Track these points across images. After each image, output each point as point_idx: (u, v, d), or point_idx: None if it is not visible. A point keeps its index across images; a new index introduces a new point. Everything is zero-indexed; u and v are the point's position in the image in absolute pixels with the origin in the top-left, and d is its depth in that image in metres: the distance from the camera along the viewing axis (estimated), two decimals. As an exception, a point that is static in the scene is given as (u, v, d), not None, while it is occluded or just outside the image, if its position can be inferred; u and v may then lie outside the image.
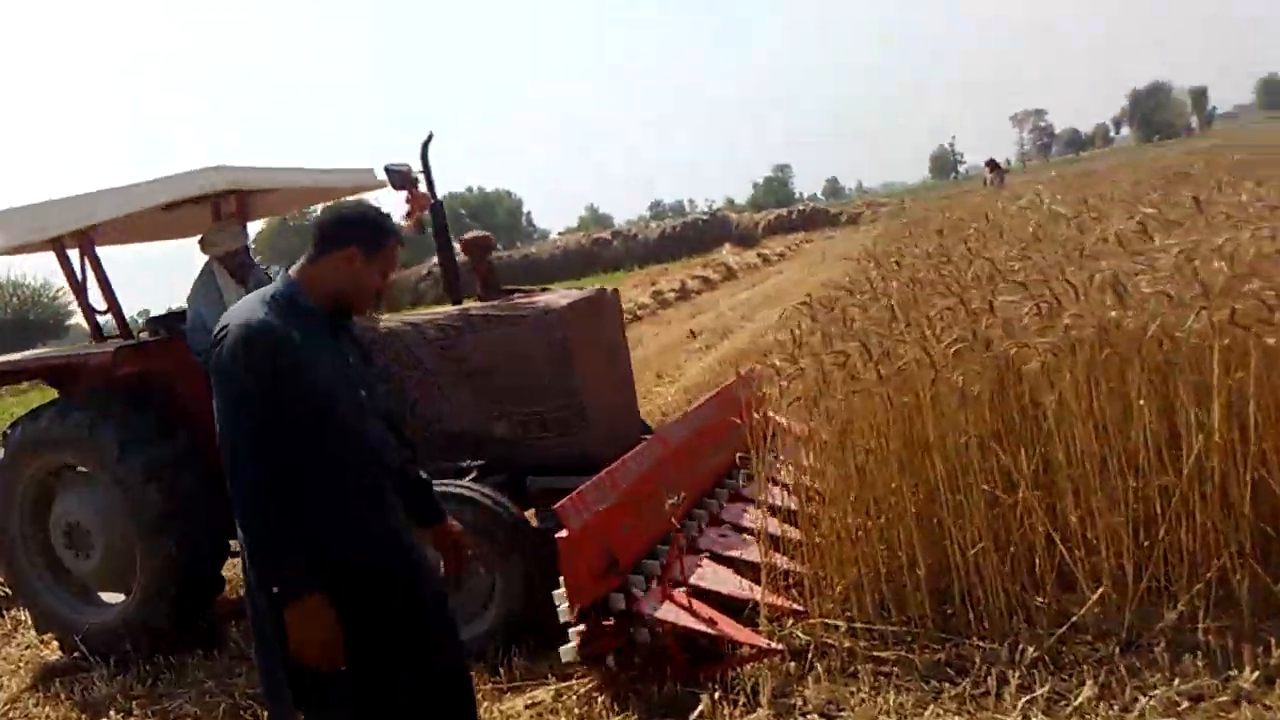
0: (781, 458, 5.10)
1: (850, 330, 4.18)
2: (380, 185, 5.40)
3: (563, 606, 3.45)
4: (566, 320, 4.33)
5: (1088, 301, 3.47)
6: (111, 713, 4.16)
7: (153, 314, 5.68)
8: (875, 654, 3.38)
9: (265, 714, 3.79)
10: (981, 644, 3.26)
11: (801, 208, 47.63)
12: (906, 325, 3.65)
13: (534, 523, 4.23)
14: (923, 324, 3.64)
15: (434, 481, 4.14)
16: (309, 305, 2.49)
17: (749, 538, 4.17)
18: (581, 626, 3.41)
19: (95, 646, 4.66)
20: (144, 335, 5.31)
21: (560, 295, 4.55)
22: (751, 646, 3.37)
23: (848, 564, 3.57)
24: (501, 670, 3.75)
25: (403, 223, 4.85)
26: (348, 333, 2.63)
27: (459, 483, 4.09)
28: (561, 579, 3.42)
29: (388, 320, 4.77)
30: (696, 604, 3.48)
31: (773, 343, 11.31)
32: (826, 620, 3.56)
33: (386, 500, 2.64)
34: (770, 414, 5.70)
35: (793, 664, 3.40)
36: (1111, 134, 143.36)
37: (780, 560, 3.78)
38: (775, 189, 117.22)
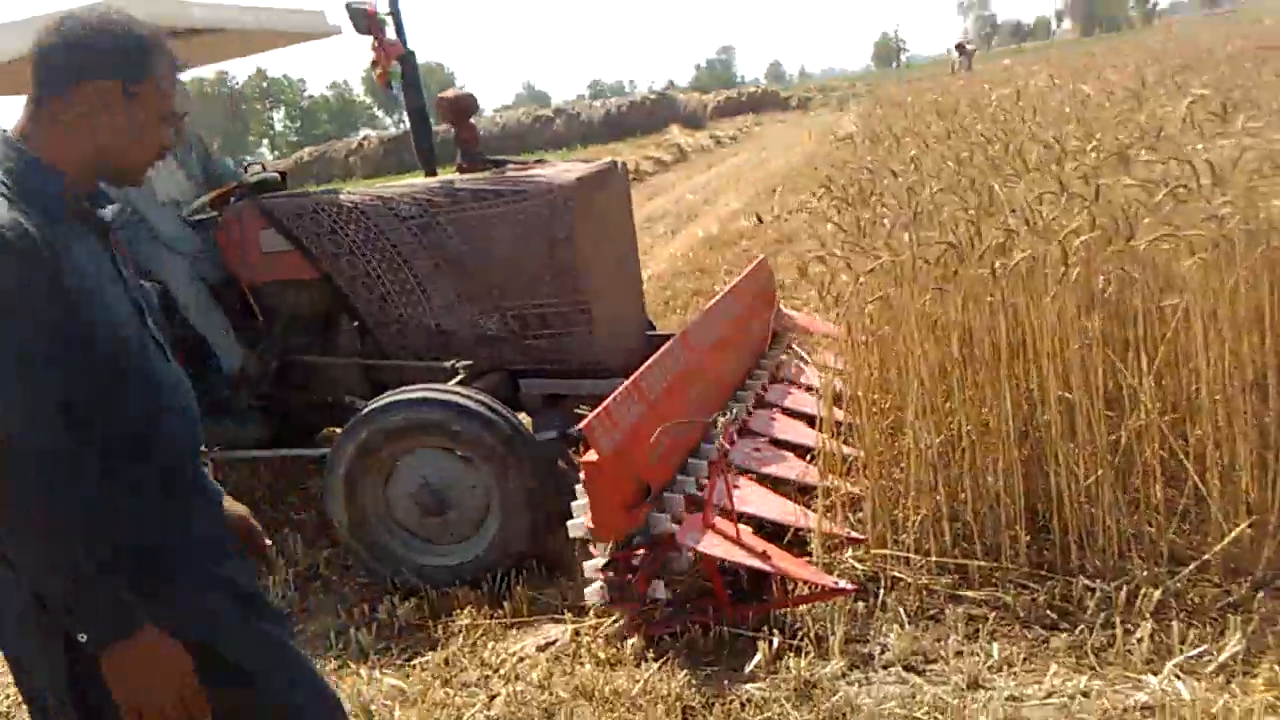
0: (817, 361, 4.55)
1: (912, 217, 3.53)
2: (335, 31, 4.52)
3: (581, 536, 2.86)
4: (573, 199, 3.60)
5: (1233, 187, 2.87)
6: None
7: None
8: (958, 593, 2.87)
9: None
10: (1091, 584, 2.76)
11: (752, 89, 46.23)
12: (1011, 212, 3.00)
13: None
14: (1025, 211, 3.00)
15: (415, 387, 3.51)
16: (57, 186, 1.57)
17: (785, 452, 3.61)
18: (604, 565, 2.84)
19: None
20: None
21: (564, 168, 3.80)
22: (815, 585, 2.83)
23: (924, 489, 3.03)
24: (505, 604, 3.17)
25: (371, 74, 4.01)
26: (103, 228, 1.67)
27: (443, 387, 3.42)
28: (586, 510, 2.82)
29: (350, 193, 3.98)
30: (745, 534, 2.92)
31: (743, 229, 10.78)
32: (895, 552, 3.03)
33: (206, 487, 1.82)
34: (792, 311, 5.15)
35: (860, 604, 2.87)
36: (1054, 27, 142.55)
37: (834, 481, 3.22)
38: (718, 72, 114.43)
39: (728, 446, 2.97)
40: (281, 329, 4.27)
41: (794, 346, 4.77)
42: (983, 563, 2.93)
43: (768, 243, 9.68)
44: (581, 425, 2.74)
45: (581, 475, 2.82)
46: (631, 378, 3.13)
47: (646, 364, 3.27)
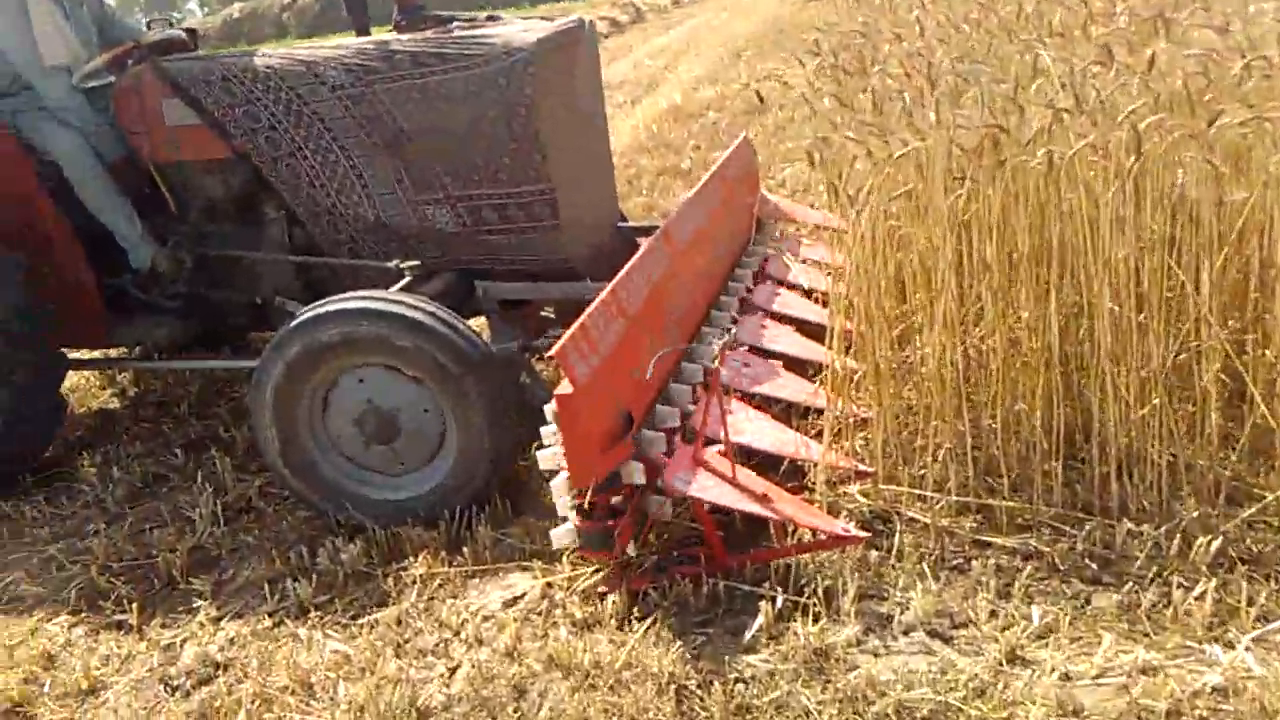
0: (806, 255, 4.09)
1: (929, 91, 3.01)
2: None
3: (556, 482, 2.44)
4: (534, 64, 3.01)
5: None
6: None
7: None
8: (984, 538, 2.52)
9: (127, 592, 2.77)
10: (1136, 528, 2.43)
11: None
12: (1060, 88, 2.49)
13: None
14: (1075, 86, 2.50)
15: (351, 295, 3.00)
16: None
17: (777, 366, 3.19)
18: (577, 508, 2.43)
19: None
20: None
21: (522, 27, 3.19)
22: (822, 533, 2.45)
23: (943, 415, 2.63)
24: (465, 548, 2.77)
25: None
26: None
27: (385, 295, 2.91)
28: (559, 449, 2.39)
29: (267, 55, 3.34)
30: (741, 471, 2.52)
31: (709, 99, 10.04)
32: (909, 490, 2.67)
33: None
34: (776, 196, 4.64)
35: (872, 552, 2.52)
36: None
37: (840, 404, 2.81)
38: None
39: (720, 369, 2.53)
40: (196, 218, 3.69)
41: (779, 238, 4.30)
42: (1011, 502, 2.57)
43: (736, 114, 9.04)
44: (553, 350, 2.28)
45: (553, 407, 2.38)
46: (609, 286, 2.65)
47: (625, 269, 2.78)
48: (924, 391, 2.71)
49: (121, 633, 2.70)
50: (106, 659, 2.60)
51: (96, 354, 4.09)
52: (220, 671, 2.47)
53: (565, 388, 2.29)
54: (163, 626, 2.70)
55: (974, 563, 2.44)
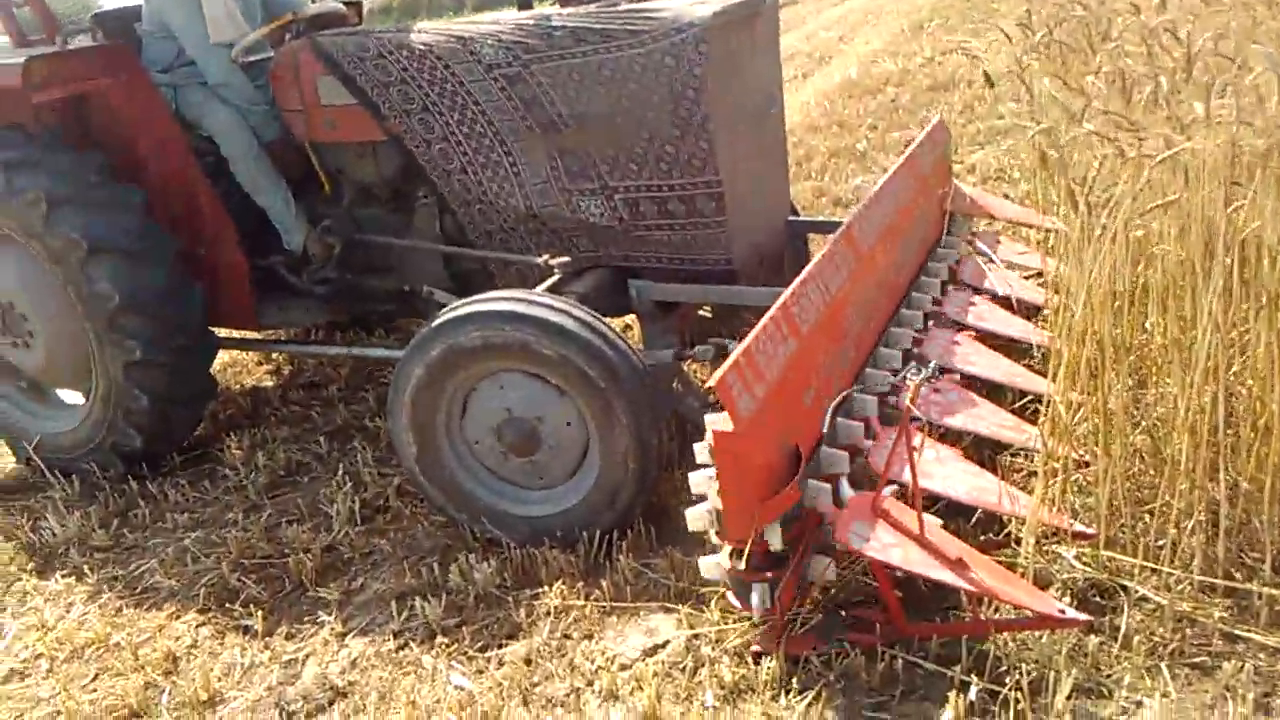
0: (1004, 259, 3.59)
1: (1185, 76, 2.47)
2: None
3: (697, 511, 2.13)
4: (708, 42, 2.67)
5: None
6: (58, 571, 3.02)
7: (103, 7, 4.07)
8: (1238, 631, 2.03)
9: (257, 593, 2.64)
10: None
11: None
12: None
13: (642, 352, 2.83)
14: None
15: (495, 295, 2.75)
16: None
17: (972, 395, 2.74)
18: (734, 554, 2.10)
19: (53, 461, 3.50)
20: (81, 40, 3.73)
21: (693, 1, 2.85)
22: (1032, 611, 2.03)
23: (1196, 471, 2.14)
24: (604, 578, 2.49)
25: None
26: None
27: (531, 296, 2.64)
28: (714, 494, 2.06)
29: (423, 30, 3.13)
30: (932, 529, 2.11)
31: (888, 74, 9.37)
32: (1140, 562, 2.19)
33: None
34: (970, 187, 4.13)
35: (1092, 636, 2.07)
36: None
37: (1060, 449, 2.35)
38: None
39: (915, 411, 2.13)
40: (348, 201, 3.55)
41: (973, 236, 3.80)
42: (1273, 589, 2.07)
43: (918, 91, 8.38)
44: (712, 380, 1.94)
45: (708, 443, 2.05)
46: (780, 299, 2.29)
47: (800, 278, 2.41)
48: (1167, 442, 2.22)
49: (247, 638, 2.58)
50: (229, 668, 2.48)
51: (249, 335, 4.04)
52: (338, 699, 2.30)
53: (725, 423, 1.96)
54: (287, 637, 2.56)
55: (1224, 662, 1.96)
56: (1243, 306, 2.18)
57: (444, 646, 2.37)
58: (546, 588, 2.49)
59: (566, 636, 2.35)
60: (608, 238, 3.04)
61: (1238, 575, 2.12)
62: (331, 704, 2.29)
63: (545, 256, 2.99)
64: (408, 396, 2.66)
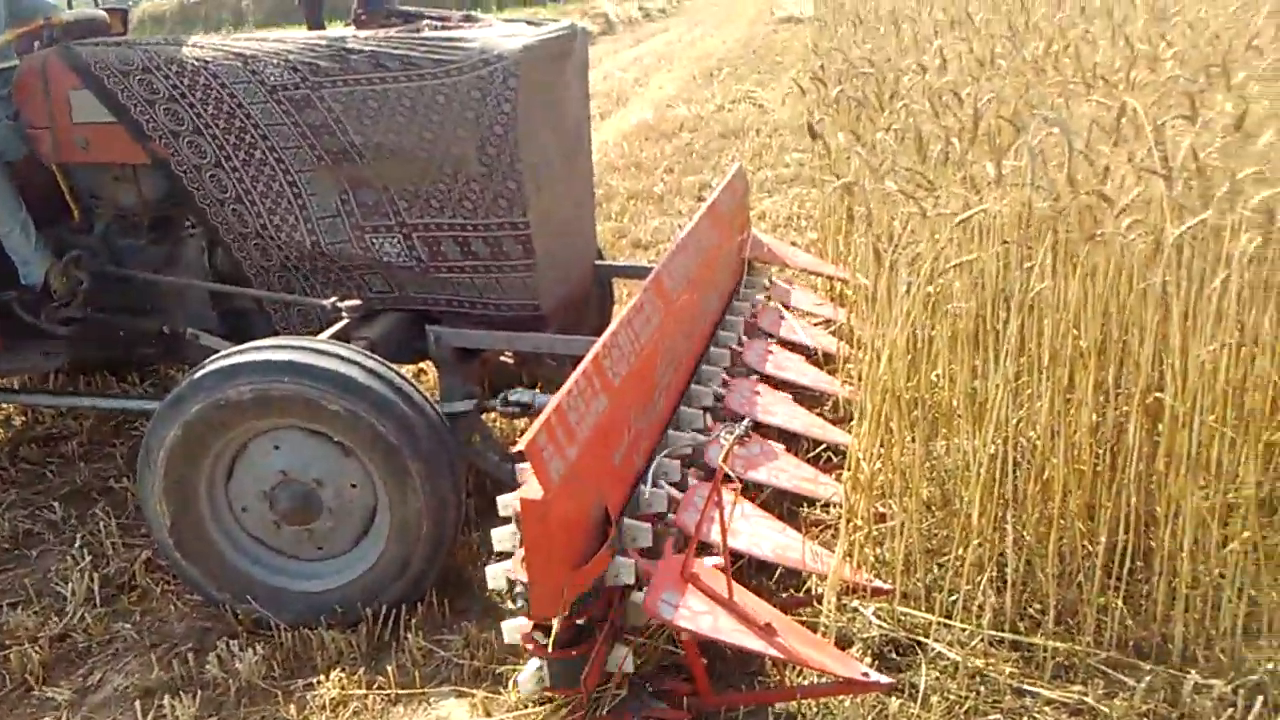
0: (798, 307, 3.66)
1: (971, 139, 2.58)
2: None
3: (498, 576, 1.97)
4: (518, 75, 2.54)
5: None
6: None
7: None
8: (1027, 686, 2.08)
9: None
10: (1205, 683, 2.01)
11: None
12: (1156, 145, 2.08)
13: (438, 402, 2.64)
14: (1163, 144, 2.10)
15: (272, 343, 2.48)
16: None
17: (774, 446, 2.73)
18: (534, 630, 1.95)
19: None
20: None
21: (505, 31, 2.71)
22: (837, 677, 1.99)
23: (985, 527, 2.19)
24: (389, 661, 2.26)
25: None
26: None
27: (315, 344, 2.40)
28: (520, 566, 1.90)
29: (199, 45, 2.82)
30: (740, 593, 2.05)
31: (682, 119, 9.60)
32: (934, 618, 2.22)
33: None
34: (766, 235, 4.20)
35: (895, 699, 2.07)
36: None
37: (861, 505, 2.36)
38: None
39: (728, 470, 2.07)
40: (101, 230, 3.14)
41: (769, 285, 3.86)
42: (1056, 641, 2.14)
43: (712, 136, 8.64)
44: (521, 444, 1.79)
45: (515, 514, 1.90)
46: (592, 353, 2.17)
47: (612, 329, 2.31)
48: (957, 495, 2.27)
49: (-50, 753, 2.15)
50: (-75, 792, 2.05)
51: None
52: (65, 822, 1.94)
53: (533, 490, 1.81)
54: (6, 747, 2.16)
55: (1016, 719, 2.00)
56: (1022, 360, 2.27)
57: (200, 752, 2.07)
58: (322, 676, 2.23)
59: (347, 730, 2.10)
60: (404, 279, 2.83)
61: (1023, 628, 2.18)
62: (57, 828, 1.93)
63: (333, 299, 2.74)
64: (161, 459, 2.34)
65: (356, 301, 2.74)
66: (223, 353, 2.38)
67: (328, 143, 2.71)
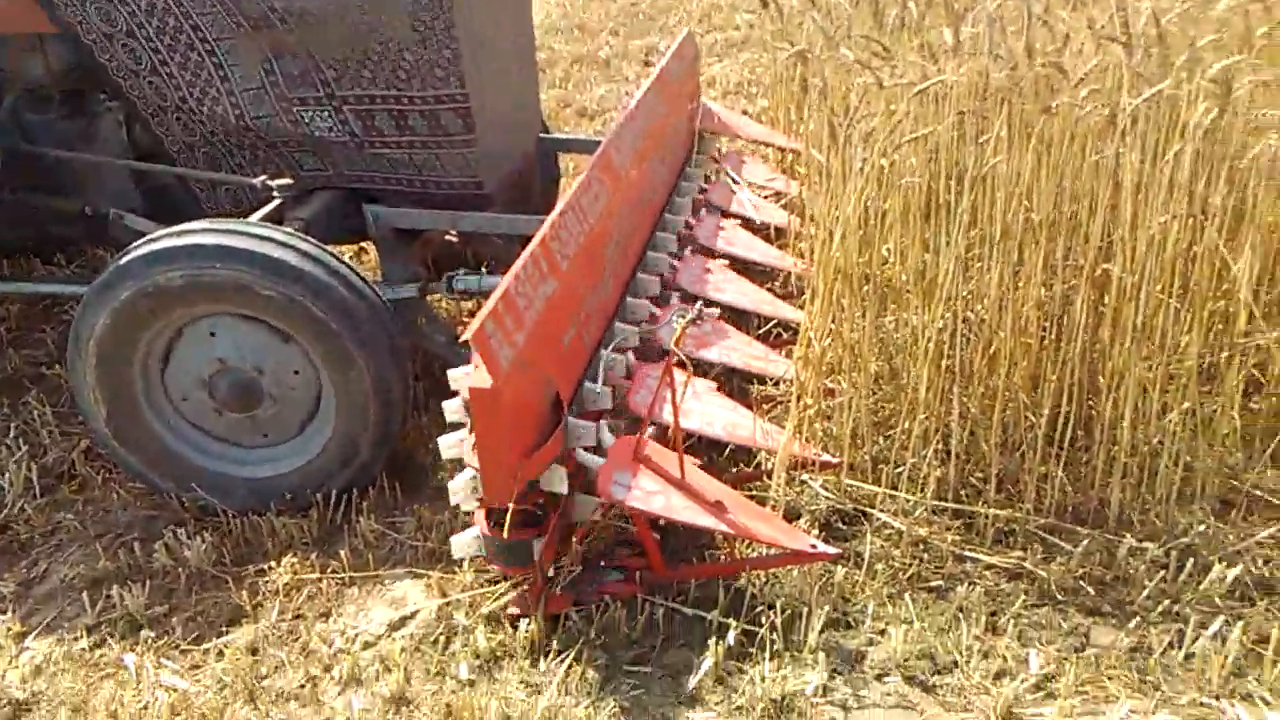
0: (749, 180, 3.58)
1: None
2: None
3: (457, 484, 1.96)
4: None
5: None
6: None
7: None
8: (968, 553, 2.15)
9: None
10: (1139, 546, 2.09)
11: None
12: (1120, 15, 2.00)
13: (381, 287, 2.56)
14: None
15: (201, 225, 2.36)
16: None
17: (725, 326, 2.71)
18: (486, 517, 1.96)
19: None
20: None
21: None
22: (786, 549, 2.03)
23: (930, 398, 2.21)
24: (342, 549, 2.26)
25: None
26: None
27: (246, 226, 2.29)
28: (471, 451, 1.89)
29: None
30: (691, 472, 2.06)
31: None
32: (881, 489, 2.27)
33: None
34: (715, 104, 4.06)
35: (839, 568, 2.12)
36: None
37: (811, 381, 2.36)
38: None
39: (680, 353, 2.04)
40: (11, 106, 2.93)
41: (719, 156, 3.77)
42: (997, 509, 2.20)
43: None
44: (468, 334, 1.74)
45: (464, 403, 1.87)
46: (539, 235, 2.10)
47: (559, 209, 2.23)
48: (906, 369, 2.28)
49: (-105, 648, 2.12)
50: None
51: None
52: (19, 713, 1.94)
53: (482, 378, 1.77)
54: (-50, 642, 2.13)
55: (957, 585, 2.07)
56: (973, 234, 2.25)
57: (150, 641, 2.05)
58: (273, 562, 2.22)
59: (299, 617, 2.10)
60: (338, 156, 2.69)
61: (966, 498, 2.24)
62: (12, 720, 1.93)
63: (263, 177, 2.61)
64: (92, 348, 2.25)
65: (288, 180, 2.61)
66: (149, 236, 2.26)
67: (246, 7, 2.52)
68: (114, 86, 2.72)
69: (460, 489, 1.95)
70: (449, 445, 2.02)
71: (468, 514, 2.11)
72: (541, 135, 3.29)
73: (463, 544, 2.00)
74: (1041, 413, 2.18)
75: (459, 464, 1.99)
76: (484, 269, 2.89)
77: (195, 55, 2.62)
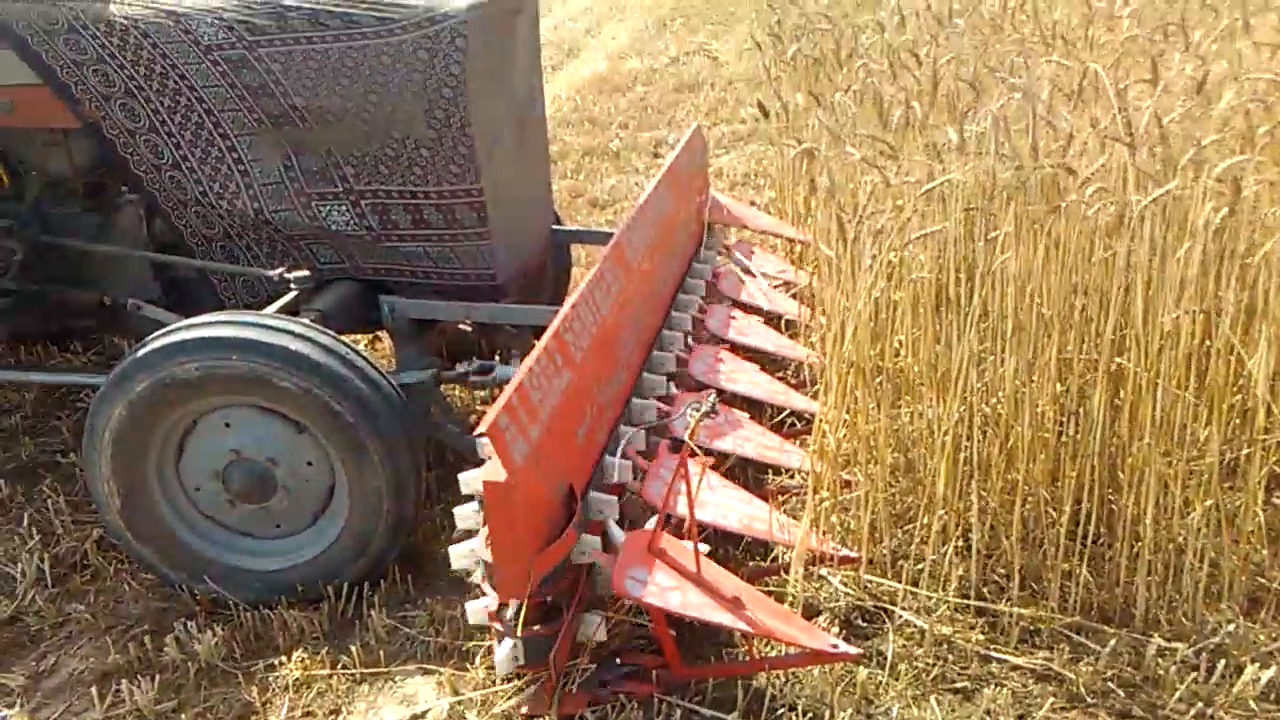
0: (759, 270, 3.61)
1: (934, 102, 2.54)
2: None
3: (464, 556, 1.93)
4: (466, 33, 2.44)
5: None
6: None
7: None
8: (994, 653, 2.10)
9: None
10: (1168, 646, 2.04)
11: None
12: (1119, 111, 2.05)
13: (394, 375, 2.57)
14: (1125, 110, 2.08)
15: (217, 317, 2.38)
16: None
17: (739, 415, 2.71)
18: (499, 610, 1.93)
19: None
20: None
21: (448, -15, 2.60)
22: (806, 649, 1.99)
23: (950, 495, 2.20)
24: (353, 644, 2.22)
25: None
26: None
27: (263, 318, 2.31)
28: (485, 546, 1.87)
29: (125, 3, 2.66)
30: (707, 566, 2.03)
31: (636, 71, 9.44)
32: (902, 587, 2.23)
33: None
34: (724, 196, 4.14)
35: (861, 669, 2.07)
36: None
37: (827, 473, 2.35)
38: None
39: (694, 446, 2.04)
40: (33, 198, 2.99)
41: (728, 247, 3.82)
42: (1022, 608, 2.16)
43: (666, 90, 8.52)
44: (482, 427, 1.74)
45: (477, 492, 1.86)
46: (553, 326, 2.12)
47: (572, 300, 2.25)
48: (922, 464, 2.27)
49: (-104, 747, 2.08)
50: None
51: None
52: (21, 818, 1.88)
53: (496, 472, 1.77)
54: (-47, 739, 2.09)
55: (983, 687, 2.02)
56: (985, 328, 2.26)
57: (158, 740, 2.01)
58: (284, 657, 2.18)
59: (308, 715, 2.06)
60: (355, 249, 2.73)
61: (989, 595, 2.20)
62: (10, 825, 1.87)
63: (280, 270, 2.65)
64: (108, 439, 2.25)
65: (305, 272, 2.65)
66: (168, 328, 2.28)
67: (267, 105, 2.59)
68: (135, 180, 2.78)
69: (462, 556, 1.92)
70: (460, 554, 1.99)
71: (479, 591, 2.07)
72: (554, 228, 3.34)
73: (477, 610, 1.96)
74: (1063, 508, 2.16)
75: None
76: (497, 358, 2.90)
77: (216, 150, 2.68)
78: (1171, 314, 1.99)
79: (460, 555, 1.98)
